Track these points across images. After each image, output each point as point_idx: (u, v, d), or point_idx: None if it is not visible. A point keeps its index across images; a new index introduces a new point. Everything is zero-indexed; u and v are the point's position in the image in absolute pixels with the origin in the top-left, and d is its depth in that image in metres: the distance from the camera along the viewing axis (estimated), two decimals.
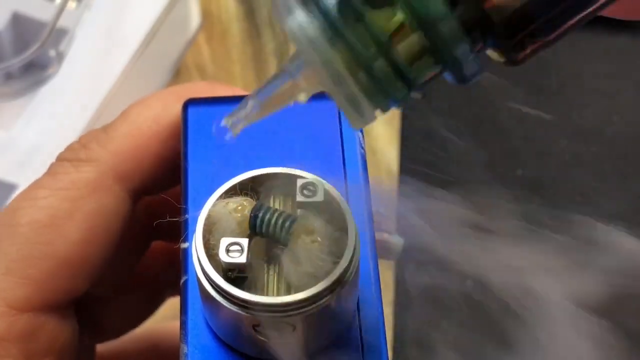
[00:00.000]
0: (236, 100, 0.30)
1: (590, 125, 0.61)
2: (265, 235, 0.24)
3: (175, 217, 0.28)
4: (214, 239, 0.24)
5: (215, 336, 0.26)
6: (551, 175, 0.56)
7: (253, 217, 0.24)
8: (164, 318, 0.39)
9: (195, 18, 0.61)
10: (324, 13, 0.22)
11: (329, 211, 0.25)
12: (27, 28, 0.52)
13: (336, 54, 0.22)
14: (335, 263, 0.24)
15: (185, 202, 0.28)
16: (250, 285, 0.24)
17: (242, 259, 0.24)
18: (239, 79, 0.60)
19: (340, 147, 0.28)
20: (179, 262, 0.27)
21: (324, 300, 0.24)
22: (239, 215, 0.24)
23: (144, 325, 0.37)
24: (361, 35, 0.21)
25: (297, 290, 0.24)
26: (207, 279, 0.24)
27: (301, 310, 0.24)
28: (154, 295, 0.36)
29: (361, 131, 0.29)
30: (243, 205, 0.24)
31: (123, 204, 0.29)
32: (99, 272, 0.29)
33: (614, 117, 0.61)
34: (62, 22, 0.52)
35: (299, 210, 0.25)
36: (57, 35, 0.52)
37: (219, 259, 0.24)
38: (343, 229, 0.24)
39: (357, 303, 0.26)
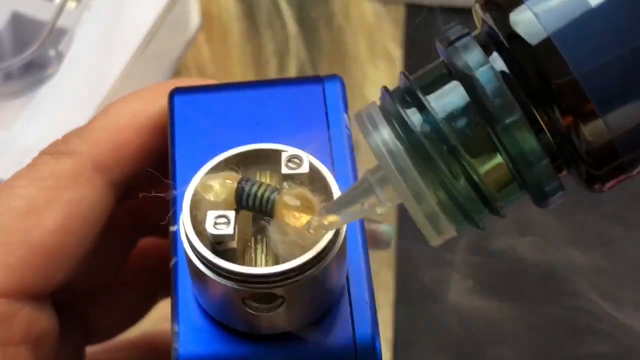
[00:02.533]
0: (222, 88, 0.30)
1: None
2: (251, 208, 0.24)
3: (164, 209, 0.28)
4: (201, 215, 0.24)
5: (206, 314, 0.26)
6: None
7: (239, 190, 0.24)
8: (159, 320, 0.39)
9: (195, 18, 0.60)
10: (411, 135, 0.22)
11: (315, 183, 0.25)
12: (27, 28, 0.52)
13: (420, 175, 0.22)
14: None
15: (174, 187, 0.28)
16: (238, 258, 0.24)
17: (228, 230, 0.24)
18: (239, 78, 0.60)
19: (326, 128, 0.28)
20: (169, 245, 0.27)
21: (311, 270, 0.24)
22: (225, 189, 0.24)
23: (138, 329, 0.37)
24: (450, 162, 0.22)
25: (284, 262, 0.24)
26: (195, 253, 0.24)
27: (289, 281, 0.24)
28: (146, 295, 0.36)
29: (346, 112, 0.29)
30: (229, 179, 0.25)
31: (102, 195, 0.29)
32: (78, 263, 0.29)
33: None
34: (62, 22, 0.52)
35: (285, 184, 0.25)
36: (56, 35, 0.52)
37: (207, 233, 0.24)
38: (329, 200, 0.24)
39: (347, 279, 0.26)
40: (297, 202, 0.24)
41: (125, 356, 0.37)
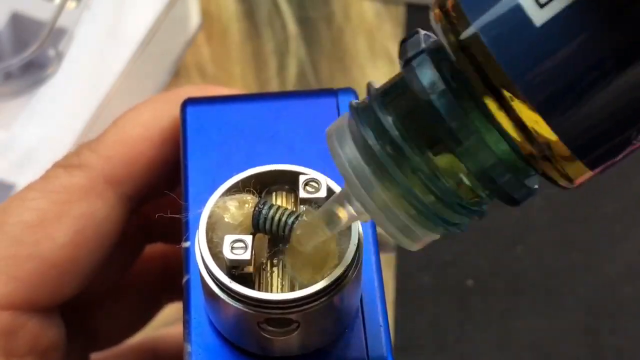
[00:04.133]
0: (235, 99, 0.30)
1: None
2: (268, 232, 0.24)
3: (173, 218, 0.28)
4: (217, 237, 0.24)
5: (219, 335, 0.26)
6: None
7: (256, 214, 0.24)
8: (163, 324, 0.39)
9: (195, 18, 0.60)
10: (372, 153, 0.22)
11: None
12: (27, 28, 0.52)
13: (386, 191, 0.22)
14: (339, 259, 0.24)
15: (186, 200, 0.28)
16: (254, 282, 0.24)
17: (246, 255, 0.24)
18: (239, 78, 0.60)
19: None
20: (181, 261, 0.27)
21: (328, 296, 0.24)
22: (242, 212, 0.24)
23: (141, 333, 0.37)
24: (411, 177, 0.22)
25: (301, 287, 0.24)
26: (211, 277, 0.24)
27: (305, 307, 0.24)
28: (150, 301, 0.36)
29: None
30: (246, 203, 0.24)
31: (114, 209, 0.29)
32: (88, 277, 0.29)
33: None
34: (62, 22, 0.52)
35: (302, 207, 0.25)
36: (56, 34, 0.52)
37: (223, 256, 0.24)
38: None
39: (361, 300, 0.26)
40: (318, 230, 0.24)
41: (129, 349, 0.37)
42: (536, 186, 0.22)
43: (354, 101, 0.23)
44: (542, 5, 0.20)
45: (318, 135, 0.28)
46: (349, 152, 0.22)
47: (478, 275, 0.55)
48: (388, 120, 0.22)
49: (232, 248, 0.24)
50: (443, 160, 0.22)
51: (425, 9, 0.61)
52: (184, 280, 0.27)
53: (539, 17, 0.20)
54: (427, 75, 0.21)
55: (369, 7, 0.62)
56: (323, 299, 0.24)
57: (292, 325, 0.24)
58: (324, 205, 0.24)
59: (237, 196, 0.25)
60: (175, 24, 0.57)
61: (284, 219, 0.24)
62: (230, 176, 0.26)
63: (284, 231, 0.24)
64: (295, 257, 0.24)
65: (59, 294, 0.29)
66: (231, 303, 0.24)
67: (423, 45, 0.22)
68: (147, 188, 0.30)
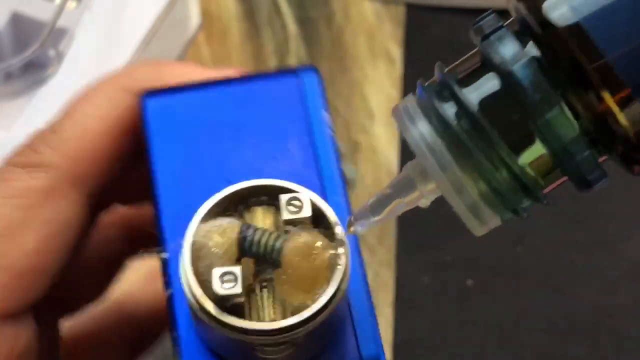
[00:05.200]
0: (195, 88, 0.29)
1: None
2: (255, 256, 0.24)
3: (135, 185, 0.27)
4: (202, 266, 0.24)
5: (211, 351, 0.26)
6: None
7: (242, 241, 0.24)
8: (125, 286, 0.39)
9: (195, 18, 0.60)
10: (448, 129, 0.22)
11: (317, 222, 0.25)
12: (27, 28, 0.52)
13: (460, 168, 0.22)
14: (330, 278, 0.24)
15: (158, 209, 0.27)
16: (244, 307, 0.24)
17: (237, 289, 0.23)
18: None
19: (308, 131, 0.28)
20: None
21: (320, 317, 0.24)
22: (226, 239, 0.24)
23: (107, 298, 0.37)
24: (489, 154, 0.22)
25: (292, 310, 0.24)
26: (204, 312, 0.24)
27: (299, 330, 0.24)
28: (113, 264, 0.36)
29: (327, 110, 0.28)
30: (228, 228, 0.24)
31: (80, 208, 0.29)
32: (57, 276, 0.29)
33: None
34: (62, 22, 0.52)
35: (289, 227, 0.24)
36: (56, 35, 0.52)
37: (213, 289, 0.23)
38: (332, 239, 0.24)
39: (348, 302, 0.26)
40: (306, 251, 0.24)
41: (94, 327, 0.37)
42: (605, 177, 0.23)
43: (423, 80, 0.23)
44: None
45: (285, 125, 0.28)
46: (423, 128, 0.22)
47: (478, 275, 0.55)
48: (466, 96, 0.22)
49: (222, 282, 0.23)
50: (519, 136, 0.21)
51: (425, 9, 0.61)
52: (167, 294, 0.26)
53: None
54: (508, 47, 0.21)
55: (369, 7, 0.62)
56: (316, 320, 0.24)
57: (286, 345, 0.24)
58: (378, 193, 0.24)
59: (219, 222, 0.24)
60: (175, 24, 0.57)
61: (271, 243, 0.24)
62: (201, 178, 0.25)
63: (272, 255, 0.24)
64: (284, 280, 0.24)
65: (31, 298, 0.28)
66: (225, 333, 0.24)
67: (500, 22, 0.22)
68: (108, 182, 0.29)
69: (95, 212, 0.30)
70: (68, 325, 0.35)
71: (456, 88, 0.22)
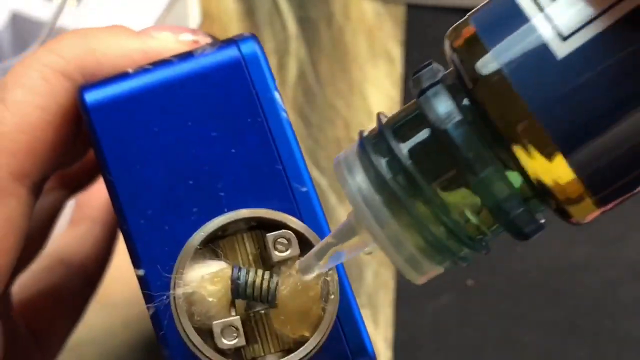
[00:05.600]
0: (134, 77, 0.27)
1: None
2: (248, 298, 0.24)
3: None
4: (198, 313, 0.24)
5: None
6: None
7: (235, 284, 0.24)
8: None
9: (195, 18, 0.60)
10: (383, 182, 0.21)
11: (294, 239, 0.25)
12: (27, 28, 0.52)
13: (395, 222, 0.22)
14: (324, 306, 0.24)
15: (122, 217, 0.26)
16: (242, 347, 0.25)
17: (241, 341, 0.24)
18: None
19: (262, 116, 0.27)
20: (140, 291, 0.26)
21: (321, 342, 0.24)
22: (220, 287, 0.24)
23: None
24: (423, 208, 0.21)
25: (288, 341, 0.24)
26: (206, 357, 0.24)
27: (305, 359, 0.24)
28: (53, 215, 0.36)
29: (277, 90, 0.27)
30: (220, 274, 0.24)
31: (27, 202, 0.28)
32: (13, 269, 0.28)
33: None
34: (62, 22, 0.52)
35: (275, 262, 0.25)
36: (56, 34, 0.52)
37: (216, 344, 0.24)
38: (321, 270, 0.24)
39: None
40: (301, 289, 0.24)
41: (44, 286, 0.37)
42: (543, 221, 0.23)
43: (364, 131, 0.23)
44: (564, 39, 0.20)
45: (237, 111, 0.26)
46: (360, 181, 0.22)
47: (478, 275, 0.55)
48: (401, 150, 0.21)
49: (224, 335, 0.24)
50: (455, 195, 0.21)
51: (425, 9, 0.61)
52: (151, 312, 0.26)
53: (561, 50, 0.19)
54: (443, 105, 0.21)
55: (369, 7, 0.62)
56: (319, 346, 0.24)
57: None
58: (322, 242, 0.24)
59: (207, 267, 0.24)
60: (175, 24, 0.57)
61: (265, 285, 0.24)
62: (162, 179, 0.25)
63: (267, 297, 0.24)
64: (283, 321, 0.24)
65: None
66: None
67: (438, 76, 0.22)
68: (52, 169, 0.29)
69: (39, 193, 0.30)
70: (17, 290, 0.35)
71: (390, 139, 0.22)
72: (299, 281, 0.24)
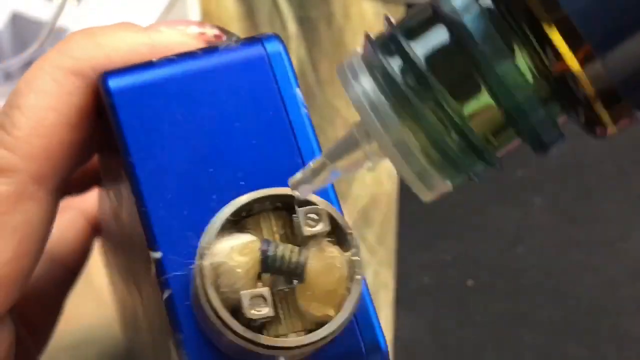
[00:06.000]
0: (159, 66, 0.27)
1: None
2: (275, 272, 0.24)
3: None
4: (224, 285, 0.24)
5: (217, 350, 0.25)
6: (551, 175, 0.56)
7: (265, 258, 0.24)
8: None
9: (195, 18, 0.60)
10: (393, 85, 0.20)
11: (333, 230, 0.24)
12: (27, 28, 0.52)
13: (405, 128, 0.20)
14: (350, 287, 0.24)
15: (140, 199, 0.26)
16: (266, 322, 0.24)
17: (269, 312, 0.24)
18: None
19: (284, 111, 0.27)
20: (154, 275, 0.26)
21: (343, 324, 0.24)
22: (249, 258, 0.24)
23: None
24: (436, 112, 0.20)
25: (313, 319, 0.24)
26: (233, 333, 0.24)
27: (326, 339, 0.24)
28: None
29: (298, 87, 0.27)
30: (249, 246, 0.24)
31: (48, 206, 0.28)
32: (31, 275, 0.28)
33: None
34: (62, 22, 0.52)
35: (305, 237, 0.24)
36: (56, 34, 0.52)
37: (244, 313, 0.23)
38: (348, 246, 0.24)
39: None
40: (330, 267, 0.24)
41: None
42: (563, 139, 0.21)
43: (371, 34, 0.21)
44: None
45: (260, 106, 0.26)
46: (366, 85, 0.20)
47: (478, 275, 0.55)
48: (413, 50, 0.20)
49: (252, 305, 0.23)
50: (471, 104, 0.20)
51: None
52: (165, 296, 0.26)
53: None
54: None
55: (369, 7, 0.62)
56: (341, 327, 0.24)
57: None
58: (320, 158, 0.23)
59: (236, 239, 0.24)
60: None
61: (294, 259, 0.24)
62: (183, 168, 0.25)
63: (295, 271, 0.24)
64: (310, 296, 0.24)
65: (9, 304, 0.28)
66: (247, 346, 0.24)
67: None
68: (71, 170, 0.29)
69: (60, 195, 0.30)
70: None
71: (402, 40, 0.20)
72: (329, 259, 0.23)
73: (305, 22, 0.61)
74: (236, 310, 0.24)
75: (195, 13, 0.60)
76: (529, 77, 0.19)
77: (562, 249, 0.55)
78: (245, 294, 0.23)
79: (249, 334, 0.23)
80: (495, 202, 0.55)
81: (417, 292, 0.54)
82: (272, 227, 0.25)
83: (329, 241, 0.24)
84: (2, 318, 0.28)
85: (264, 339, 0.23)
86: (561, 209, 0.55)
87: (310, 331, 0.24)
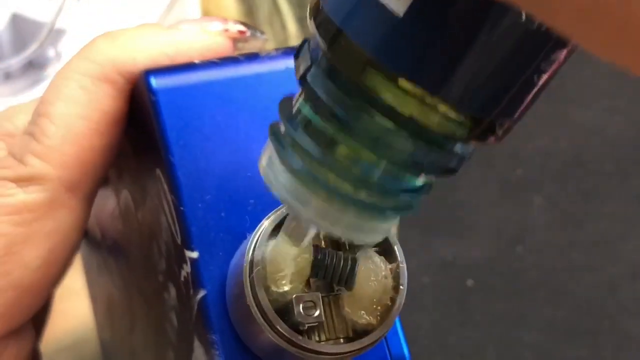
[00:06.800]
0: (201, 68, 0.27)
1: (590, 124, 0.61)
2: (324, 279, 0.24)
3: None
4: (273, 286, 0.24)
5: (250, 352, 0.25)
6: (551, 175, 0.56)
7: (316, 263, 0.24)
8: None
9: (195, 18, 0.60)
10: (296, 170, 0.21)
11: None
12: (26, 28, 0.52)
13: (316, 198, 0.22)
14: (394, 297, 0.24)
15: (179, 198, 0.26)
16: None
17: (319, 316, 0.24)
18: None
19: None
20: (190, 275, 0.26)
21: (385, 332, 0.24)
22: (301, 264, 0.24)
23: None
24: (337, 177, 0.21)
25: (355, 325, 0.24)
26: (280, 336, 0.24)
27: (369, 347, 0.24)
28: None
29: None
30: (301, 252, 0.24)
31: (79, 214, 0.28)
32: (60, 282, 0.29)
33: (615, 117, 0.61)
34: (61, 22, 0.52)
35: (353, 245, 0.25)
36: (55, 35, 0.52)
37: (296, 317, 0.24)
38: (393, 258, 0.24)
39: None
40: (377, 278, 0.24)
41: None
42: (471, 149, 0.21)
43: (276, 123, 0.23)
44: None
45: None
46: (282, 178, 0.22)
47: (478, 275, 0.55)
48: (300, 135, 0.21)
49: (304, 309, 0.24)
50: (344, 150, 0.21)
51: None
52: (199, 296, 0.26)
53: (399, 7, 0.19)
54: (305, 62, 0.21)
55: None
56: (382, 335, 0.24)
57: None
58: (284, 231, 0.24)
59: (289, 246, 0.24)
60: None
61: (346, 270, 0.24)
62: (221, 170, 0.25)
63: (345, 280, 0.24)
64: (358, 306, 0.24)
65: (34, 311, 0.28)
66: (293, 351, 0.24)
67: (309, 60, 0.21)
68: (102, 177, 0.29)
69: (91, 203, 0.30)
70: None
71: (289, 127, 0.22)
72: (377, 268, 0.24)
73: (305, 22, 0.62)
74: (280, 314, 0.24)
75: (195, 13, 0.61)
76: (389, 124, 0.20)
77: (562, 249, 0.55)
78: (297, 298, 0.24)
79: (295, 337, 0.24)
80: (495, 202, 0.55)
81: (417, 292, 0.54)
82: (319, 232, 0.25)
83: (375, 251, 0.25)
84: (26, 324, 0.28)
85: (312, 344, 0.24)
86: (561, 209, 0.55)
87: (348, 338, 0.24)
